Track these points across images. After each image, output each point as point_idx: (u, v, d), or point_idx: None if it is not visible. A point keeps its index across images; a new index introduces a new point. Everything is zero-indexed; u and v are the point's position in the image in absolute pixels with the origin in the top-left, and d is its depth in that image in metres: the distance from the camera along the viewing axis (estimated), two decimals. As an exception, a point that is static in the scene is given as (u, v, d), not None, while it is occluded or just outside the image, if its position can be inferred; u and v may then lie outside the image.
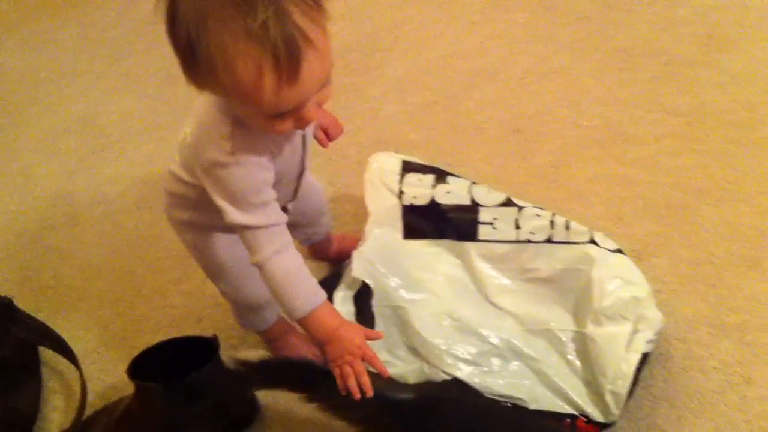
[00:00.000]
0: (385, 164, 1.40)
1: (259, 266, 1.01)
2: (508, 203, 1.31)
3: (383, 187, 1.38)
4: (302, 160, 1.11)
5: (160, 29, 0.85)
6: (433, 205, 1.34)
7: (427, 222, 1.34)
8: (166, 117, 1.83)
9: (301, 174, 1.13)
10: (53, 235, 1.66)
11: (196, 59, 0.85)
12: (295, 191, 1.16)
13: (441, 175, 1.37)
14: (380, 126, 1.74)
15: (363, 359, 0.99)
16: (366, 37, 1.91)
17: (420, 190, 1.35)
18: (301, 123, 0.92)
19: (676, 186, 1.48)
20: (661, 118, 1.62)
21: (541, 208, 1.30)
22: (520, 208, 1.30)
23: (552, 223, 1.27)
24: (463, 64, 1.82)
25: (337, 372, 1.00)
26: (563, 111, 1.69)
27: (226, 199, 0.98)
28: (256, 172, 0.98)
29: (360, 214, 1.52)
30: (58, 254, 1.63)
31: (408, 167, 1.39)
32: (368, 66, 1.86)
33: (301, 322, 1.02)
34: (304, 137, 1.08)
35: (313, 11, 0.85)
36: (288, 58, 0.83)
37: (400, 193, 1.36)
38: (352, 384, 0.98)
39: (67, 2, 2.10)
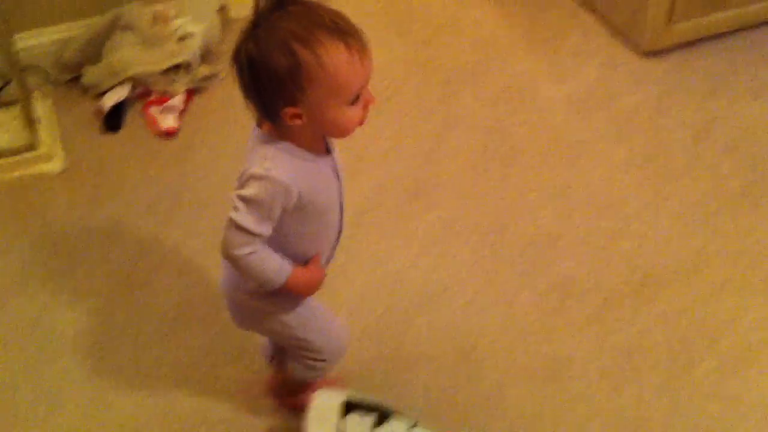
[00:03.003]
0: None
1: (238, 258, 1.23)
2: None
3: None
4: (340, 191, 1.33)
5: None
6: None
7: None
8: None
9: (341, 206, 1.35)
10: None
11: (295, 79, 1.14)
12: (340, 224, 1.37)
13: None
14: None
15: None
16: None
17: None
18: (366, 108, 1.21)
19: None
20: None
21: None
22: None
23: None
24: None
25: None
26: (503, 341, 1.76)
27: (245, 202, 1.20)
28: (280, 192, 1.20)
29: None
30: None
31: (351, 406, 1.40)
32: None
33: (282, 288, 1.28)
34: (336, 169, 1.32)
35: None
36: (356, 39, 1.15)
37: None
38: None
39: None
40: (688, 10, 2.42)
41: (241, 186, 1.21)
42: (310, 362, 1.46)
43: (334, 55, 1.13)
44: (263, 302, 1.36)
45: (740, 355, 1.71)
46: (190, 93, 2.41)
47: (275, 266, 1.26)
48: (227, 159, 2.17)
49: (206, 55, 2.51)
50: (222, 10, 2.66)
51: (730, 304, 1.81)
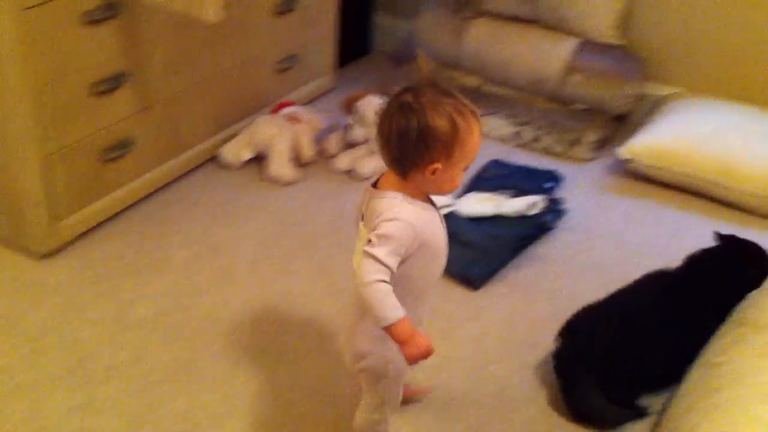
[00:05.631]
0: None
1: (368, 284, 1.47)
2: None
3: None
4: (444, 236, 1.65)
5: None
6: None
7: None
8: None
9: (446, 249, 1.66)
10: None
11: (451, 141, 1.50)
12: (443, 264, 1.67)
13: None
14: None
15: (427, 355, 1.53)
16: None
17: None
18: (464, 173, 1.58)
19: None
20: None
21: None
22: None
23: None
24: None
25: (411, 363, 1.54)
26: None
27: (378, 238, 1.49)
28: (408, 230, 1.51)
29: None
30: None
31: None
32: None
33: (388, 328, 1.50)
34: (441, 217, 1.65)
35: None
36: (480, 124, 1.55)
37: None
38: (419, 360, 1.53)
39: None
40: (71, 206, 2.41)
41: (375, 228, 1.51)
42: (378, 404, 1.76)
43: (475, 129, 1.53)
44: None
45: None
46: None
47: (394, 303, 1.49)
48: None
49: None
50: None
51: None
